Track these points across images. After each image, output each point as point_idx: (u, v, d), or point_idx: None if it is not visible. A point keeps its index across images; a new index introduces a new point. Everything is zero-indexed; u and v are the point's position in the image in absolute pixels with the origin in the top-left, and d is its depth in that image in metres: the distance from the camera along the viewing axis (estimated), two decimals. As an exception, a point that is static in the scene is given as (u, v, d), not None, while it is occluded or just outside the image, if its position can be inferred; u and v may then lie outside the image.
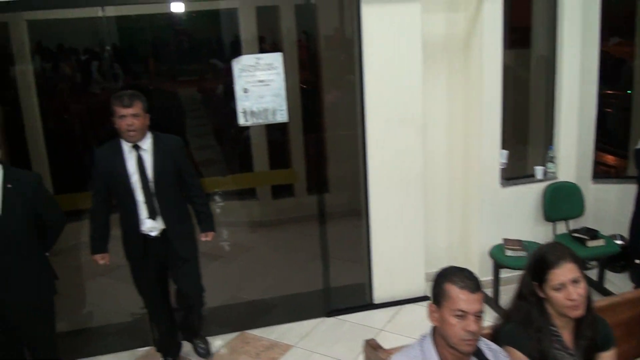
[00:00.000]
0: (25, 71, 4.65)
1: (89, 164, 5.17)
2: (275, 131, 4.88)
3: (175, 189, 3.26)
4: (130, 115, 3.05)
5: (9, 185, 2.78)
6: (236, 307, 4.09)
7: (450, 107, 4.21)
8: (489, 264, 4.14)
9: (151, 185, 3.15)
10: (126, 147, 3.14)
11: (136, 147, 3.14)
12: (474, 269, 4.20)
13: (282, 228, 4.95)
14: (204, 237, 3.34)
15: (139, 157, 3.14)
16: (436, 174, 4.26)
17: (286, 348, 3.74)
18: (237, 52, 4.83)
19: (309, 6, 3.64)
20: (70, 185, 4.81)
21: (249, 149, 4.89)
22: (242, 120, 3.61)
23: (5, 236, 2.76)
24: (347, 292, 4.16)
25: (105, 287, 4.30)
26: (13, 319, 2.87)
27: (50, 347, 3.09)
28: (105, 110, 5.35)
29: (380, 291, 4.13)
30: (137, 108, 3.06)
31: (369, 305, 4.13)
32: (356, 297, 4.17)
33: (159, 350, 3.65)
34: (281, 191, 5.15)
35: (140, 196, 3.16)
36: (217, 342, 3.82)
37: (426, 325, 2.00)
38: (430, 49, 3.91)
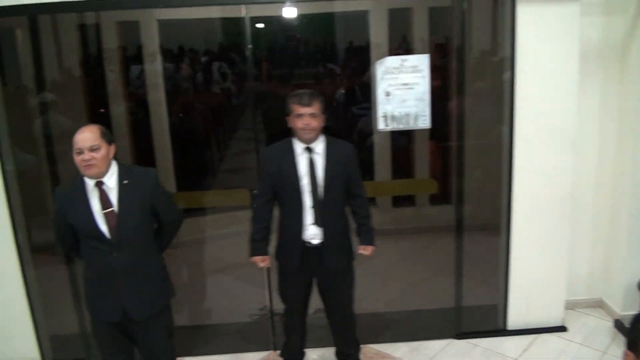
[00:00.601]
0: (154, 70, 4.71)
1: (209, 162, 5.24)
2: (401, 138, 4.68)
3: (342, 198, 3.10)
4: (308, 114, 2.92)
5: (125, 182, 2.73)
6: (358, 319, 3.90)
7: (602, 121, 3.84)
8: (635, 297, 3.73)
9: (320, 190, 3.01)
10: (298, 148, 3.02)
11: (309, 150, 3.01)
12: (617, 301, 3.87)
13: (403, 238, 4.71)
14: (363, 250, 3.15)
15: (310, 160, 3.01)
16: (582, 192, 3.89)
17: (413, 369, 3.53)
18: (365, 55, 4.69)
19: (457, 8, 3.41)
20: (193, 183, 4.84)
21: (372, 156, 4.70)
22: (381, 125, 3.43)
23: (122, 233, 2.69)
24: (477, 313, 3.87)
25: (222, 285, 4.24)
26: (131, 320, 2.81)
27: (166, 352, 3.00)
28: (227, 110, 5.38)
29: (515, 316, 3.81)
30: (315, 108, 2.94)
31: (502, 330, 3.82)
32: (488, 320, 3.87)
33: (282, 355, 3.52)
34: (401, 199, 4.93)
35: (308, 201, 3.02)
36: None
37: None
38: (583, 56, 3.56)
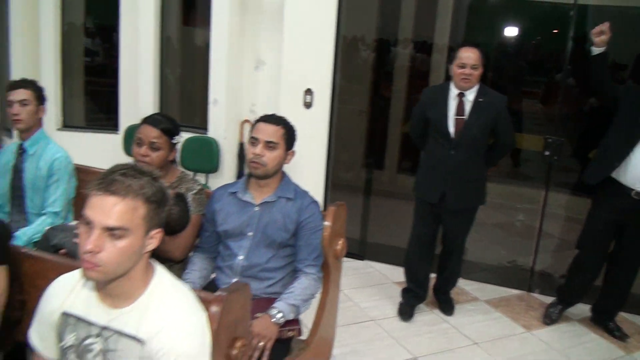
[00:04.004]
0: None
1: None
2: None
3: None
4: None
5: (480, 99, 3.27)
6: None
7: None
8: None
9: None
10: None
11: None
12: None
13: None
14: None
15: None
16: None
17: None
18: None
19: None
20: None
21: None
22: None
23: (463, 137, 3.26)
24: None
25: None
26: (445, 208, 3.36)
27: (460, 243, 3.58)
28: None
29: None
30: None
31: None
32: None
33: (561, 297, 3.75)
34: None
35: None
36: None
37: None
38: None
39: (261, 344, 2.01)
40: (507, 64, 5.40)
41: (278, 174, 2.34)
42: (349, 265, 4.30)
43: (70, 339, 1.49)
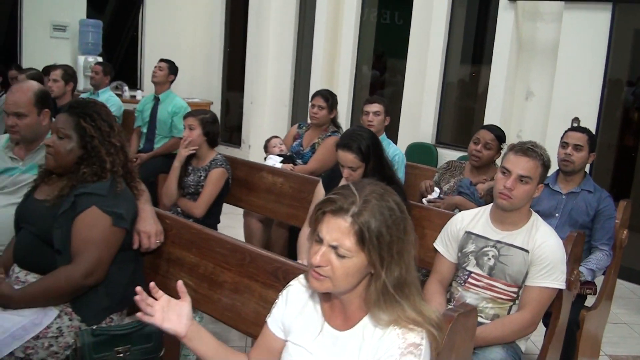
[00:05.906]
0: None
1: None
2: None
3: None
4: None
5: None
6: None
7: None
8: None
9: None
10: None
11: None
12: None
13: None
14: None
15: None
16: None
17: None
18: None
19: None
20: None
21: None
22: None
23: None
24: None
25: None
26: None
27: None
28: None
29: None
30: None
31: None
32: None
33: None
34: None
35: None
36: None
37: None
38: None
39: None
40: None
41: (582, 171, 3.09)
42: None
43: (470, 247, 2.38)
